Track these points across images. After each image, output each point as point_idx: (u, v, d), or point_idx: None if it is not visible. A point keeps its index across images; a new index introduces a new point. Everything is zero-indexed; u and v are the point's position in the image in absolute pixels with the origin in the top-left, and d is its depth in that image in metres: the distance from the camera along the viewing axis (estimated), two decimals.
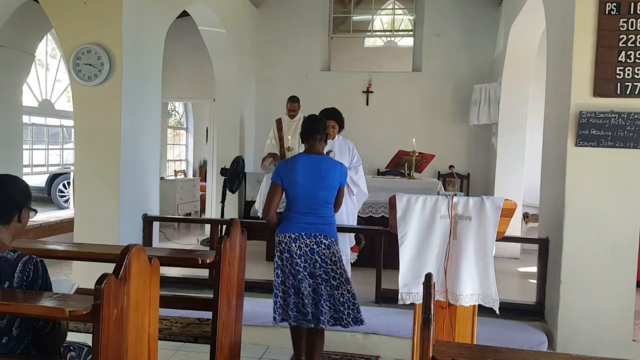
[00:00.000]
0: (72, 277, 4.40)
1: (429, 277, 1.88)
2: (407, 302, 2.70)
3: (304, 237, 3.01)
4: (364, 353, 3.75)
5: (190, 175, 9.76)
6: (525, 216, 6.34)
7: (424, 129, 6.95)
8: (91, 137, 4.12)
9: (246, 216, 6.59)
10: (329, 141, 4.13)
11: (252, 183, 6.63)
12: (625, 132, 3.35)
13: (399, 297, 2.70)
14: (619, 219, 3.44)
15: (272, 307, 3.11)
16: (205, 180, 8.52)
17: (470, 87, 6.75)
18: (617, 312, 3.47)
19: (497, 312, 2.68)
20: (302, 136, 3.19)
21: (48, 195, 9.96)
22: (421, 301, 2.47)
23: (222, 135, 6.94)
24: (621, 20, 3.36)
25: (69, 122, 7.00)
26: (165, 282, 3.48)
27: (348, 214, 4.14)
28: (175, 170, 9.08)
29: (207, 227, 6.55)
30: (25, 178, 6.17)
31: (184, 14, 5.53)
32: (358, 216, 4.45)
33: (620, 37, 3.36)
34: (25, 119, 6.37)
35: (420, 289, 2.51)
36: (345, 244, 4.20)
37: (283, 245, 3.04)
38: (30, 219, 2.08)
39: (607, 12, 3.37)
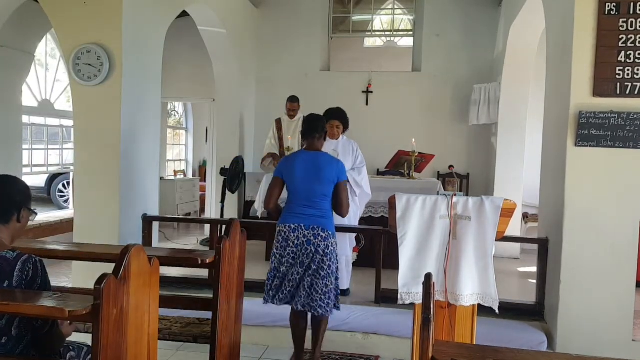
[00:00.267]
0: (72, 277, 4.40)
1: (428, 277, 1.88)
2: (407, 302, 2.70)
3: (303, 228, 3.14)
4: (363, 353, 3.75)
5: (190, 175, 9.76)
6: (525, 216, 6.34)
7: (424, 129, 6.95)
8: (91, 137, 4.12)
9: (246, 216, 6.59)
10: (333, 141, 4.13)
11: (251, 183, 6.63)
12: (625, 132, 3.36)
13: (399, 297, 2.70)
14: (619, 219, 3.45)
15: (270, 305, 3.24)
16: (205, 180, 8.52)
17: (470, 87, 6.75)
18: (617, 312, 3.47)
19: (497, 311, 2.68)
20: (302, 134, 3.34)
21: (48, 196, 9.96)
22: (421, 301, 2.47)
23: (221, 135, 6.94)
24: (621, 20, 3.36)
25: (69, 122, 7.00)
26: (165, 282, 3.48)
27: (350, 216, 4.12)
28: (175, 170, 9.08)
29: (207, 227, 6.54)
30: (24, 178, 6.20)
31: (184, 14, 5.53)
32: None
33: (620, 37, 3.36)
34: (25, 119, 6.37)
35: (420, 289, 2.51)
36: (346, 245, 4.20)
37: (283, 234, 3.19)
38: (31, 221, 2.08)
39: (606, 12, 3.37)
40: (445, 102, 7.10)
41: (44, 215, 6.34)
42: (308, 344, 3.53)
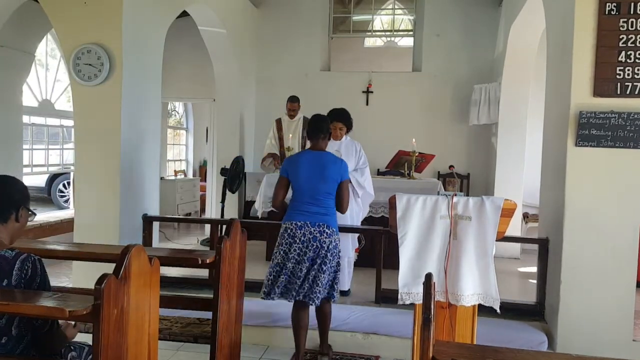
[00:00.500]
0: (72, 277, 4.40)
1: (429, 277, 1.88)
2: (407, 302, 2.70)
3: (309, 225, 3.23)
4: (364, 353, 3.75)
5: (190, 175, 9.76)
6: (525, 216, 6.34)
7: (424, 129, 6.95)
8: (91, 137, 4.12)
9: (246, 216, 6.59)
10: (336, 142, 4.14)
11: (252, 183, 6.63)
12: (625, 132, 3.35)
13: (399, 297, 2.70)
14: (619, 219, 3.44)
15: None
16: (205, 180, 8.52)
17: (470, 87, 6.75)
18: (617, 312, 3.47)
19: (498, 311, 2.68)
20: (307, 134, 3.46)
21: (48, 195, 9.96)
22: (421, 301, 2.47)
23: (222, 135, 6.94)
24: (621, 20, 3.36)
25: (69, 122, 7.00)
26: (165, 282, 3.47)
27: (352, 216, 4.13)
28: (175, 170, 9.08)
29: (207, 227, 6.55)
30: (25, 178, 6.21)
31: (184, 14, 5.53)
32: None
33: (620, 37, 3.36)
34: (25, 119, 6.38)
35: (420, 289, 2.51)
36: (349, 246, 4.20)
37: (289, 231, 3.26)
38: (30, 222, 2.08)
39: (607, 12, 3.37)
40: (446, 102, 7.10)
41: (44, 215, 6.34)
42: (308, 344, 3.54)
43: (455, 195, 2.72)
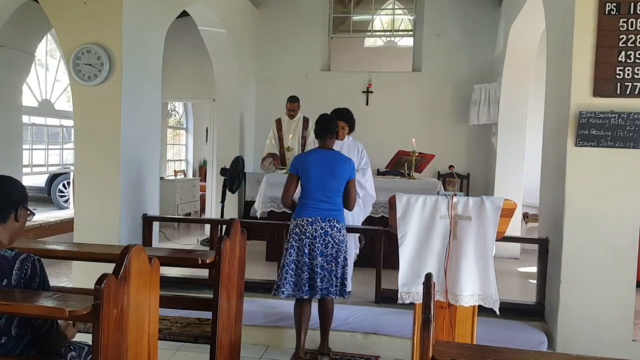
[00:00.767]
0: (72, 277, 4.40)
1: (428, 277, 1.88)
2: (407, 302, 2.70)
3: (320, 220, 3.33)
4: (364, 353, 3.75)
5: (190, 175, 9.76)
6: (525, 216, 6.34)
7: (424, 129, 6.95)
8: (91, 137, 4.12)
9: (246, 216, 6.59)
10: (338, 142, 4.14)
11: (252, 183, 6.63)
12: (625, 132, 3.35)
13: (399, 296, 2.70)
14: (619, 219, 3.44)
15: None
16: (205, 180, 8.52)
17: (470, 87, 6.75)
18: (617, 312, 3.47)
19: (498, 312, 2.68)
20: (315, 134, 3.58)
21: (48, 195, 9.96)
22: (421, 301, 2.47)
23: (222, 135, 6.94)
24: (621, 20, 3.36)
25: (69, 122, 7.00)
26: (165, 282, 3.47)
27: (353, 216, 4.14)
28: (175, 170, 9.08)
29: (207, 227, 6.54)
30: (25, 178, 6.22)
31: (184, 14, 5.53)
32: None
33: (620, 37, 3.36)
34: (25, 119, 6.37)
35: (419, 289, 2.51)
36: (350, 246, 4.20)
37: (300, 227, 3.34)
38: (29, 221, 2.09)
39: (607, 12, 3.37)
40: (445, 102, 7.10)
41: (44, 215, 6.34)
42: (308, 345, 3.54)
43: (455, 195, 2.71)
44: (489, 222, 2.65)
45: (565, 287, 3.50)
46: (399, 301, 2.70)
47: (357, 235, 4.59)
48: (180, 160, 9.98)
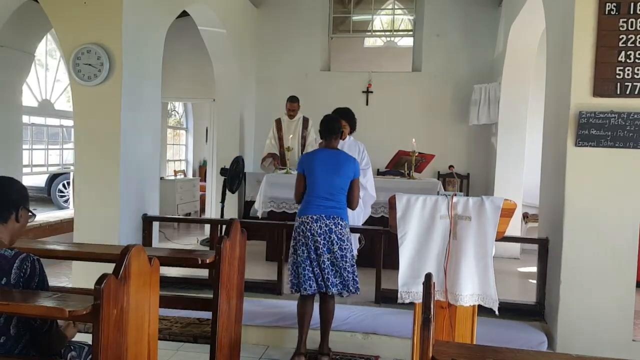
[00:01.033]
0: (72, 277, 4.40)
1: (428, 277, 1.88)
2: (407, 301, 2.70)
3: (324, 218, 3.39)
4: (363, 353, 3.75)
5: (190, 175, 9.76)
6: (525, 216, 6.34)
7: (424, 129, 6.95)
8: (91, 137, 4.12)
9: (246, 216, 6.59)
10: (339, 141, 4.14)
11: (251, 183, 6.63)
12: (625, 132, 3.35)
13: (399, 296, 2.70)
14: (619, 219, 3.44)
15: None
16: (205, 180, 8.52)
17: (470, 87, 6.75)
18: (617, 312, 3.47)
19: (497, 312, 2.68)
20: (320, 134, 3.63)
21: (48, 196, 9.96)
22: (420, 300, 2.47)
23: (222, 135, 6.94)
24: (621, 20, 3.36)
25: (69, 122, 7.00)
26: (165, 282, 3.47)
27: (353, 216, 4.14)
28: (175, 170, 9.08)
29: (207, 227, 6.54)
30: (25, 178, 6.21)
31: (184, 14, 5.53)
32: None
33: (620, 37, 3.36)
34: (25, 119, 6.37)
35: (419, 289, 2.51)
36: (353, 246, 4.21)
37: (305, 225, 3.40)
38: (30, 222, 2.09)
39: (607, 12, 3.37)
40: (445, 102, 7.10)
41: (44, 215, 6.34)
42: (309, 345, 3.53)
43: (455, 195, 2.72)
44: (489, 222, 2.65)
45: (565, 287, 3.50)
46: (399, 301, 2.70)
47: (358, 235, 4.60)
48: (180, 160, 9.98)
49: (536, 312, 3.85)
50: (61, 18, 4.12)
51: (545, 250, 3.81)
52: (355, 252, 4.44)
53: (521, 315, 3.81)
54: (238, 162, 6.14)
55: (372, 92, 7.30)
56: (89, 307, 1.74)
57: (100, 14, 4.02)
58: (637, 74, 3.35)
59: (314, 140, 5.60)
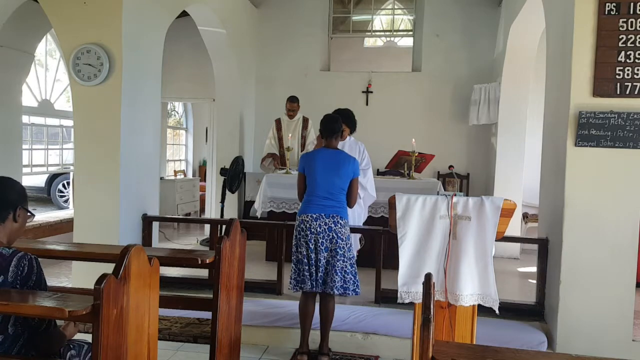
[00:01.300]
0: (72, 277, 4.40)
1: (428, 277, 1.88)
2: (406, 301, 2.70)
3: (324, 216, 3.42)
4: (363, 353, 3.75)
5: (189, 175, 9.76)
6: (525, 216, 6.34)
7: (424, 129, 6.95)
8: (91, 137, 4.12)
9: (246, 216, 6.59)
10: (339, 142, 4.15)
11: (251, 183, 6.63)
12: (625, 132, 3.35)
13: (398, 295, 2.70)
14: (619, 218, 3.44)
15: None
16: (204, 180, 8.52)
17: (470, 87, 6.75)
18: (617, 312, 3.47)
19: (497, 312, 2.68)
20: (321, 133, 3.65)
21: (48, 196, 9.96)
22: (420, 300, 2.47)
23: (221, 135, 6.93)
24: (621, 20, 3.36)
25: (69, 122, 7.00)
26: (165, 282, 3.47)
27: (353, 216, 4.15)
28: (174, 170, 9.08)
29: (207, 227, 6.54)
30: (24, 178, 6.21)
31: (184, 14, 5.53)
32: None
33: (620, 37, 3.36)
34: (25, 119, 6.37)
35: (419, 288, 2.52)
36: (351, 246, 4.20)
37: (305, 223, 3.44)
38: (29, 222, 2.09)
39: (606, 12, 3.37)
40: (445, 102, 7.10)
41: (44, 215, 6.34)
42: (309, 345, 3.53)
43: (455, 195, 2.72)
44: (488, 222, 2.65)
45: (565, 287, 3.50)
46: (399, 301, 2.71)
47: (358, 235, 4.60)
48: (180, 160, 9.98)
49: (536, 312, 3.85)
50: (61, 18, 4.12)
51: (545, 250, 3.82)
52: (355, 253, 4.46)
53: (521, 315, 3.81)
54: (238, 162, 6.15)
55: (372, 92, 7.30)
56: (88, 307, 1.74)
57: (100, 14, 4.02)
58: (637, 74, 3.35)
59: (313, 140, 5.60)
